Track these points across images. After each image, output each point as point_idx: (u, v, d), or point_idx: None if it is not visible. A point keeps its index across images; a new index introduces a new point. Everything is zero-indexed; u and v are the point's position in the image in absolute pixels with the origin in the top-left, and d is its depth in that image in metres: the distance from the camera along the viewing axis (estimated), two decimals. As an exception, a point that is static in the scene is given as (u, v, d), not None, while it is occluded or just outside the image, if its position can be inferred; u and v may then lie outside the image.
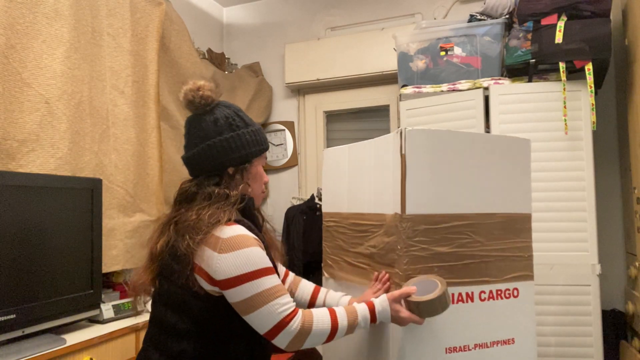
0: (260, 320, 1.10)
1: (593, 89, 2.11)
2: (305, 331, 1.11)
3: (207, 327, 1.15)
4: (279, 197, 3.43)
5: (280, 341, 1.11)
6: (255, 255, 1.11)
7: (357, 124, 3.42)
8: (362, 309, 1.18)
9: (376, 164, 1.36)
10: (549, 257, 2.16)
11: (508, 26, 2.40)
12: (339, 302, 1.41)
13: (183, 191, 1.24)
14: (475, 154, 1.34)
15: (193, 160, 1.24)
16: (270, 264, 1.14)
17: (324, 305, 1.43)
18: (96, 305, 1.84)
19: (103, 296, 1.96)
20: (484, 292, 1.32)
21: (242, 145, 1.22)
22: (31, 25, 1.77)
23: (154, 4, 2.43)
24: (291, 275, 1.51)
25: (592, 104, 2.14)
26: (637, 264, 2.20)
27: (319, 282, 1.59)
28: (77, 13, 1.95)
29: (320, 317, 1.14)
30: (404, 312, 1.17)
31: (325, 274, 1.66)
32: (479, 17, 2.48)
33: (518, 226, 1.39)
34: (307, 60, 3.23)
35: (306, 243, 2.95)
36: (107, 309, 1.89)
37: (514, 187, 1.40)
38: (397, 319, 1.18)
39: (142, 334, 1.87)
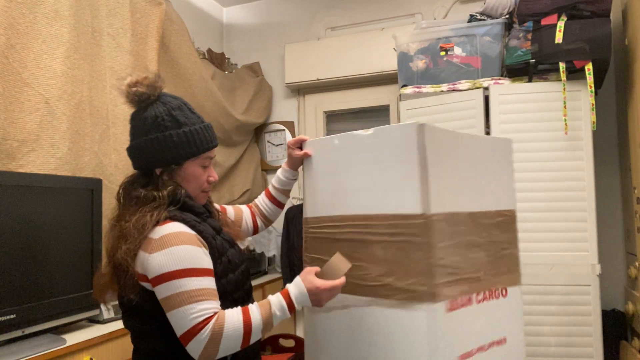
0: (175, 322, 1.07)
1: (593, 89, 2.11)
2: (215, 338, 1.05)
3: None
4: (279, 197, 3.43)
5: (193, 350, 1.06)
6: (185, 253, 1.08)
7: (357, 124, 3.42)
8: (275, 299, 1.14)
9: None
10: (549, 257, 2.16)
11: (508, 26, 2.39)
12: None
13: (117, 190, 1.25)
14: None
15: (128, 155, 1.25)
16: (203, 266, 1.10)
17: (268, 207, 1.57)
18: (96, 305, 1.84)
19: (103, 296, 1.96)
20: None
21: (167, 148, 1.18)
22: (31, 25, 1.77)
23: (154, 4, 2.43)
24: (243, 208, 1.55)
25: (592, 104, 2.14)
26: (637, 264, 2.20)
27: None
28: (77, 13, 1.95)
29: (230, 318, 1.08)
30: (318, 281, 1.14)
31: None
32: (479, 17, 2.48)
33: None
34: (307, 60, 3.23)
35: (306, 243, 2.94)
36: (107, 309, 1.88)
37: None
38: (314, 291, 1.13)
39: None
